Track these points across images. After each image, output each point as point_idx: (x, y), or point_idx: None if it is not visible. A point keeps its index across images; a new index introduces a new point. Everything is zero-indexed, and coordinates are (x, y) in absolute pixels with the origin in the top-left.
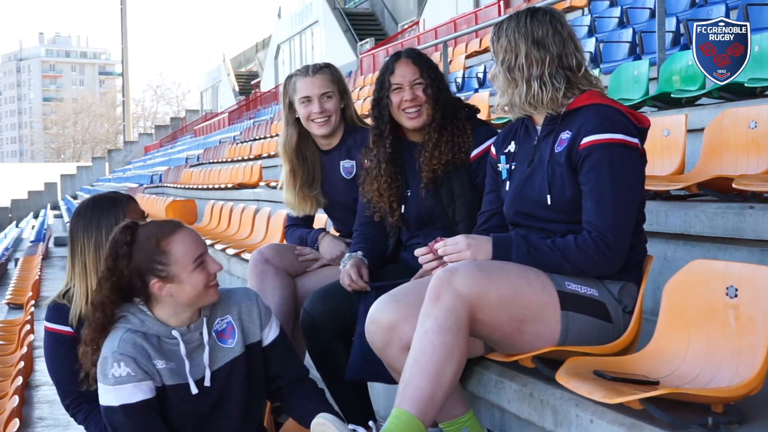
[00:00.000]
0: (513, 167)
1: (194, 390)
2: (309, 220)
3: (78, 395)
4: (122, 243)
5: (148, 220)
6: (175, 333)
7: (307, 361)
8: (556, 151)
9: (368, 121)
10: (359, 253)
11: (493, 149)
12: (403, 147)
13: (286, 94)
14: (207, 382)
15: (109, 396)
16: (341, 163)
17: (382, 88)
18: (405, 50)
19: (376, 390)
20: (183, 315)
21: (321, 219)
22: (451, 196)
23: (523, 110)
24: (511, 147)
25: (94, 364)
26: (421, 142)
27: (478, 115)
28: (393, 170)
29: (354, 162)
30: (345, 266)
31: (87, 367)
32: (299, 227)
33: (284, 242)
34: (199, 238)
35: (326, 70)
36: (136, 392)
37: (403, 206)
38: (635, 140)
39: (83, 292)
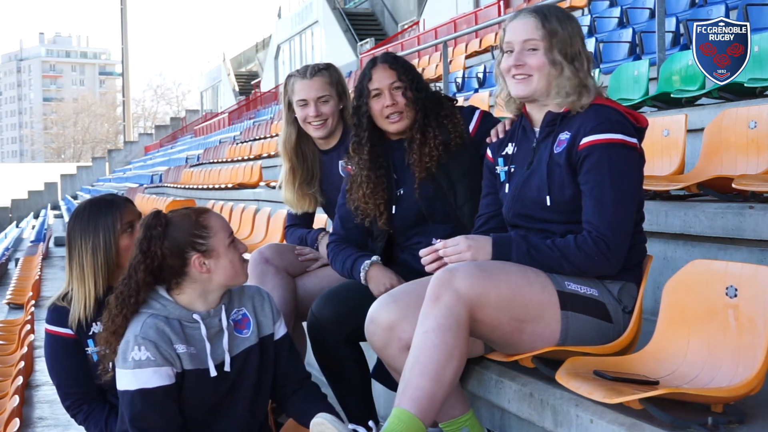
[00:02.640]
0: (512, 170)
1: (213, 372)
2: (309, 219)
3: (78, 396)
4: (155, 225)
5: None
6: (196, 317)
7: (308, 361)
8: (555, 151)
9: None
10: (374, 258)
11: (489, 152)
12: (389, 147)
13: (285, 94)
14: (227, 367)
15: (127, 380)
16: (340, 162)
17: (361, 95)
18: (381, 55)
19: (376, 390)
20: (210, 298)
21: (321, 219)
22: (450, 181)
23: (565, 103)
24: (509, 149)
25: (116, 351)
26: (407, 142)
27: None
28: (376, 175)
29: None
30: (371, 278)
31: (110, 356)
32: (299, 227)
33: (284, 242)
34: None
35: (325, 72)
36: (155, 377)
37: (394, 207)
38: (634, 140)
39: (82, 295)
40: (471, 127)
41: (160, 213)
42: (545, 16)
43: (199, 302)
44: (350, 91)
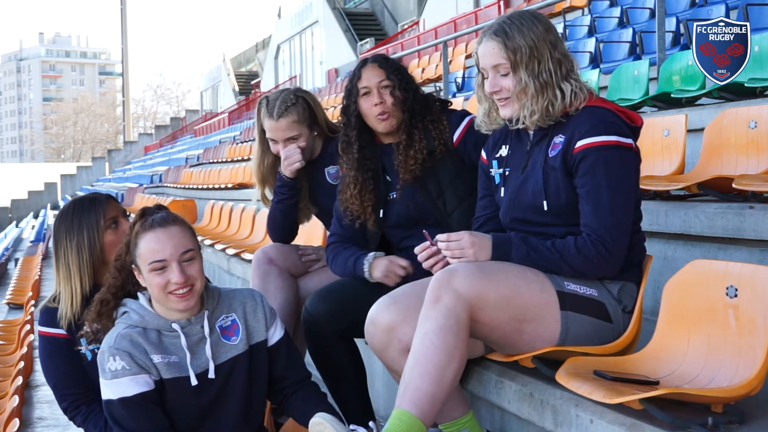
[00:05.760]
0: (507, 173)
1: (194, 381)
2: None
3: (76, 398)
4: (135, 221)
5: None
6: (175, 326)
7: (307, 360)
8: (550, 155)
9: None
10: (374, 254)
11: (483, 154)
12: (380, 151)
13: (258, 121)
14: (211, 374)
15: (108, 390)
16: (326, 170)
17: (350, 95)
18: (371, 56)
19: (376, 390)
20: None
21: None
22: (439, 188)
23: (552, 118)
24: (503, 151)
25: (111, 317)
26: (395, 145)
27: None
28: (364, 176)
29: (338, 167)
30: (376, 266)
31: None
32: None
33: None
34: (178, 242)
35: (292, 110)
36: (133, 385)
37: (382, 210)
38: (629, 140)
39: (69, 295)
40: (456, 135)
41: (143, 213)
42: (506, 34)
43: (171, 312)
44: (320, 111)
